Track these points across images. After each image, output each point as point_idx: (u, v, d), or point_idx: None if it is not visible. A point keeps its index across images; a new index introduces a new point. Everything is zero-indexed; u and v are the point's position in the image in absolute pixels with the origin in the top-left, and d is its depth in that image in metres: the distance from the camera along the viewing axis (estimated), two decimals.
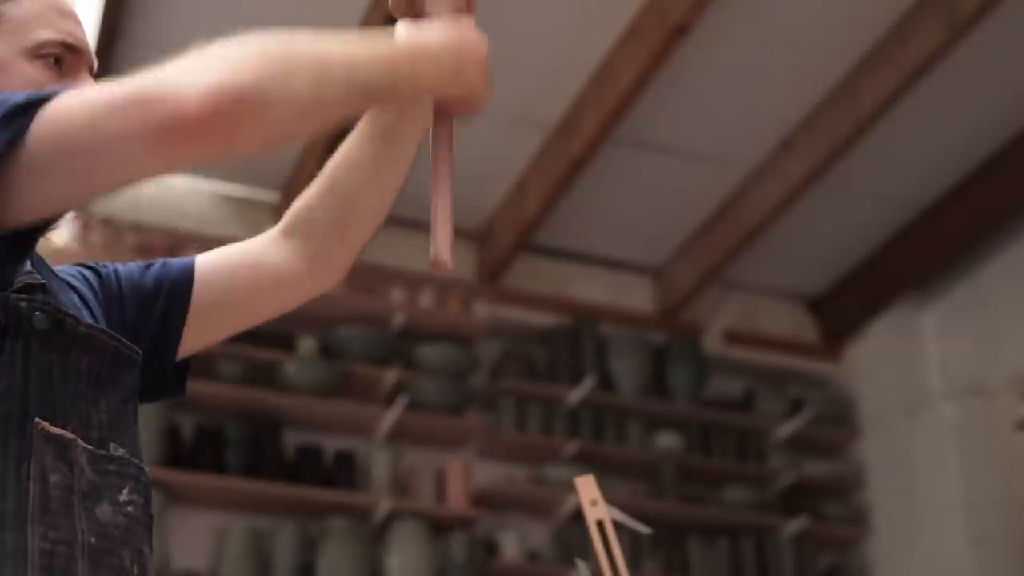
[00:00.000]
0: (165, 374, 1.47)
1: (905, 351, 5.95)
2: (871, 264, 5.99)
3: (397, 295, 5.46)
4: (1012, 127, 5.21)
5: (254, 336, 5.20)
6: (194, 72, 1.16)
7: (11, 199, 1.20)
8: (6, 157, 1.18)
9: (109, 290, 1.47)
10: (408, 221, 5.62)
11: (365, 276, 5.47)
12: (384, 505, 5.05)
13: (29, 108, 1.20)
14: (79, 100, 1.21)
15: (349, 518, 5.05)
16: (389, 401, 5.33)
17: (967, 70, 4.80)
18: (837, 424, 6.05)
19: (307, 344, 5.25)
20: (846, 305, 6.19)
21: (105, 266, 1.51)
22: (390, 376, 5.29)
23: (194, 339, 1.51)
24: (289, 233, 1.58)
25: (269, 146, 1.24)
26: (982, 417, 5.57)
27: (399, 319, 5.41)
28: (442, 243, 1.36)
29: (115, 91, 1.19)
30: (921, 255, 5.78)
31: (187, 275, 1.51)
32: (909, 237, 5.78)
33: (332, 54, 1.26)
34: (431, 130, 1.43)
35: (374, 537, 5.10)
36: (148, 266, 1.52)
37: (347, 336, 5.34)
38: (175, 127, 1.15)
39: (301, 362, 5.17)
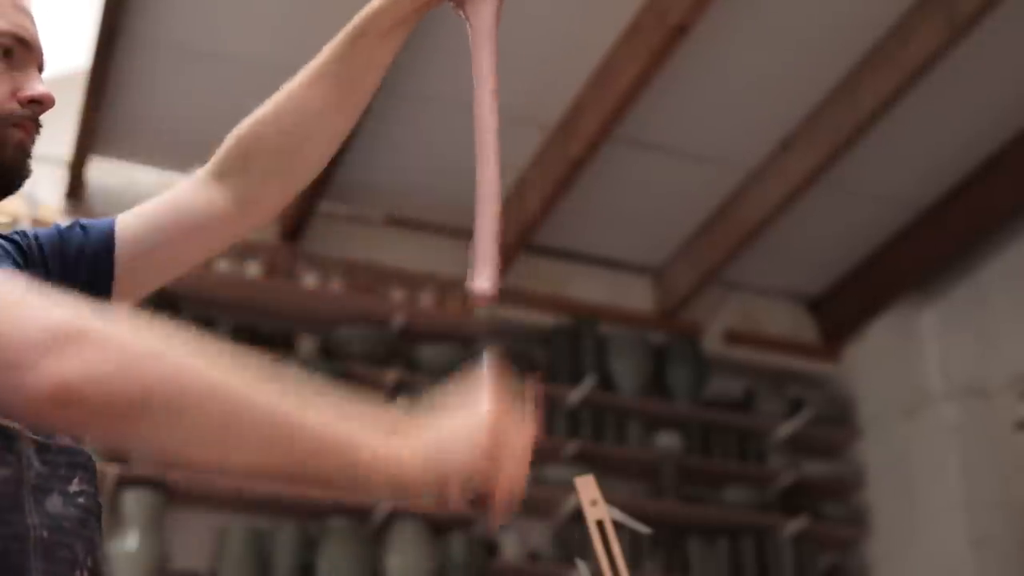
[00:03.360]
0: None
1: (905, 351, 5.95)
2: (871, 264, 5.99)
3: (397, 295, 5.45)
4: (1012, 127, 5.21)
5: (254, 336, 5.20)
6: (51, 350, 0.99)
7: None
8: None
9: (32, 260, 1.44)
10: (409, 221, 5.64)
11: (365, 276, 5.47)
12: (384, 505, 5.05)
13: None
14: None
15: (349, 518, 5.05)
16: (389, 401, 5.31)
17: (967, 70, 4.80)
18: (837, 424, 6.05)
19: (307, 344, 5.25)
20: (846, 305, 6.18)
21: (25, 235, 1.47)
22: (390, 376, 5.29)
23: (127, 295, 1.49)
24: (222, 175, 1.55)
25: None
26: (982, 417, 5.56)
27: (399, 319, 5.41)
28: (485, 274, 1.33)
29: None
30: (921, 255, 5.78)
31: (107, 238, 1.48)
32: (909, 237, 5.78)
33: (257, 410, 1.04)
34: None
35: (374, 537, 5.10)
36: (69, 229, 1.49)
37: (347, 336, 5.34)
38: (18, 402, 1.00)
39: (301, 362, 5.17)
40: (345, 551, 4.92)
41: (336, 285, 5.37)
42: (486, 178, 1.37)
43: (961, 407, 5.63)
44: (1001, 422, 5.41)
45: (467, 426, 1.11)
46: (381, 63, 1.58)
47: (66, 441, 1.30)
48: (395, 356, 5.43)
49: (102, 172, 5.19)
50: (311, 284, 5.33)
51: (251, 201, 1.54)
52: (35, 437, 1.26)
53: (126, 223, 1.51)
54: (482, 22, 1.43)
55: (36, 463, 1.26)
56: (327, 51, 1.57)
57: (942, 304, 5.86)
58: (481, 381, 1.15)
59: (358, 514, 5.08)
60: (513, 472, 1.12)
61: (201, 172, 1.56)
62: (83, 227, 1.50)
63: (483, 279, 1.32)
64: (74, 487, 1.29)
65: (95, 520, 1.32)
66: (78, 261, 1.46)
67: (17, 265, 1.41)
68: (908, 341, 5.95)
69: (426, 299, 5.50)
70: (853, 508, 5.94)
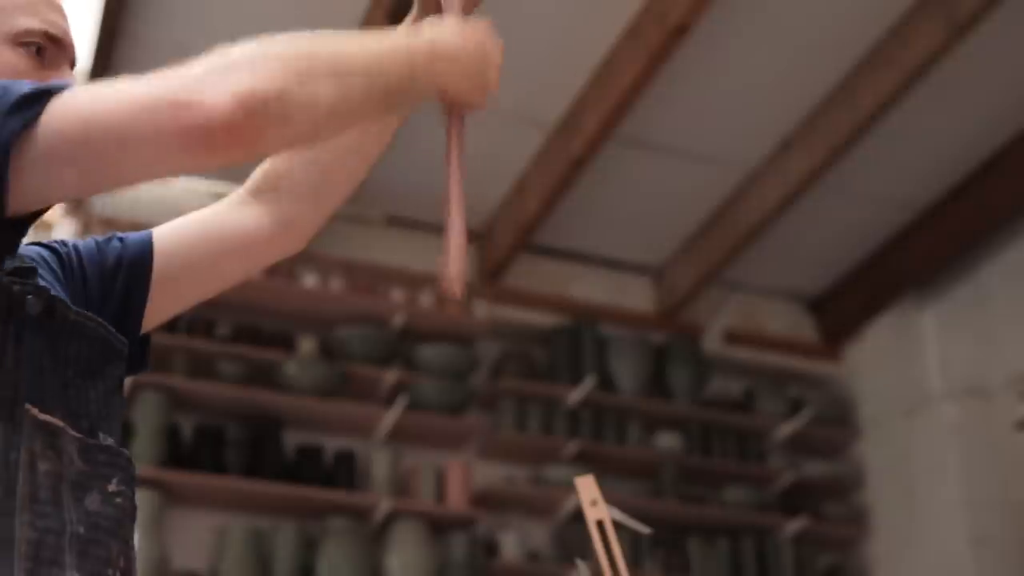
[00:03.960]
0: (130, 352, 1.44)
1: (905, 351, 5.95)
2: (871, 264, 6.00)
3: (397, 295, 5.46)
4: (1012, 127, 5.21)
5: (254, 336, 5.21)
6: (220, 78, 1.17)
7: (18, 186, 1.19)
8: (15, 145, 1.18)
9: (70, 271, 1.44)
10: (409, 222, 5.64)
11: (365, 276, 5.47)
12: (384, 505, 5.05)
13: (38, 98, 1.20)
14: (101, 95, 1.21)
15: (349, 518, 5.05)
16: (389, 401, 5.33)
17: (966, 71, 4.80)
18: (837, 424, 6.05)
19: (307, 344, 5.25)
20: (846, 305, 6.19)
21: (64, 244, 1.48)
22: (390, 376, 5.29)
23: (159, 311, 1.49)
24: (257, 195, 1.55)
25: (291, 148, 1.28)
26: (982, 417, 5.57)
27: (399, 319, 5.41)
28: (454, 272, 1.35)
29: (139, 91, 1.20)
30: (921, 255, 5.78)
31: (146, 251, 1.48)
32: (909, 237, 5.78)
33: (353, 56, 1.27)
34: (446, 127, 1.43)
35: (374, 537, 5.10)
36: (107, 241, 1.49)
37: (347, 336, 5.34)
38: (203, 133, 1.16)
39: (301, 362, 5.17)
40: (345, 551, 4.92)
41: (336, 285, 5.38)
42: (452, 171, 1.40)
43: (961, 407, 5.63)
44: (1001, 422, 5.41)
45: (466, 24, 1.40)
46: None
47: (108, 441, 1.31)
48: (395, 356, 5.43)
49: None
50: (311, 284, 5.33)
51: (289, 219, 1.55)
52: (78, 435, 1.26)
53: (163, 237, 1.51)
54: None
55: (77, 460, 1.26)
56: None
57: (942, 304, 5.86)
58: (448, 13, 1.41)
59: (358, 514, 5.09)
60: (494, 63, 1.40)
61: (239, 191, 1.56)
62: (120, 239, 1.50)
63: (451, 271, 1.34)
64: (113, 487, 1.29)
65: (130, 521, 1.32)
66: (115, 273, 1.46)
67: (55, 274, 1.42)
68: (908, 341, 5.95)
69: (426, 299, 5.50)
70: (853, 508, 5.94)
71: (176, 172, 1.24)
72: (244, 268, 1.57)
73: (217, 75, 1.18)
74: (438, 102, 1.41)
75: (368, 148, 1.58)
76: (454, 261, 1.35)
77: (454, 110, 1.42)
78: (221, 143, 1.18)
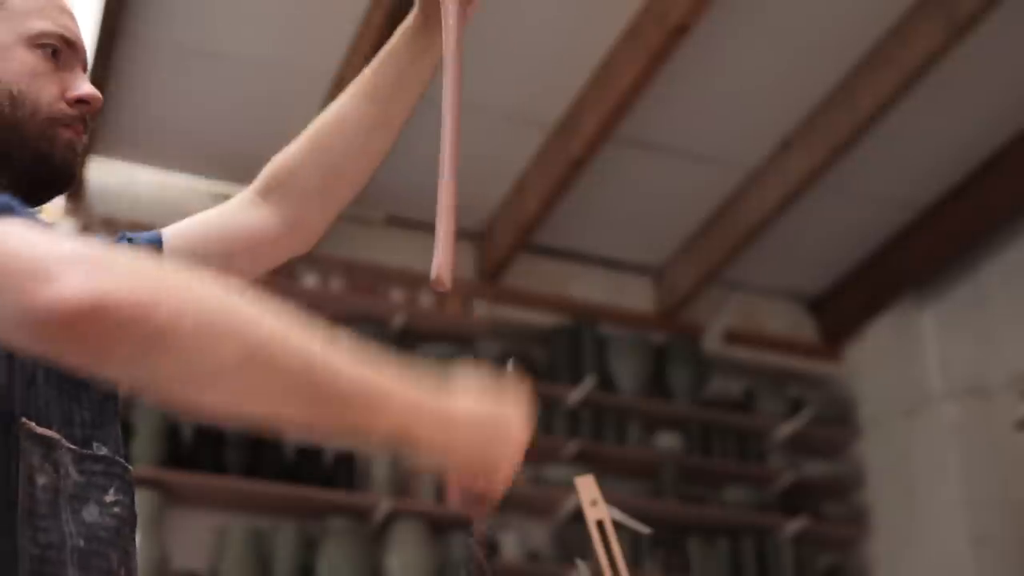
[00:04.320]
0: None
1: (905, 351, 5.95)
2: (871, 264, 5.99)
3: (397, 295, 5.46)
4: (1012, 127, 5.21)
5: None
6: (89, 270, 0.97)
7: None
8: None
9: None
10: (409, 222, 5.64)
11: (365, 276, 5.47)
12: (384, 505, 5.05)
13: None
14: (11, 237, 1.03)
15: (349, 518, 5.05)
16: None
17: (966, 71, 4.80)
18: (837, 424, 6.05)
19: None
20: (846, 305, 6.19)
21: None
22: None
23: None
24: (267, 194, 1.55)
25: (159, 389, 1.03)
26: (982, 417, 5.57)
27: (399, 319, 5.41)
28: (443, 264, 1.36)
29: (22, 246, 1.01)
30: (921, 255, 5.78)
31: (154, 251, 1.49)
32: (909, 237, 5.78)
33: (302, 349, 1.07)
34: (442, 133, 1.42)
35: (374, 537, 5.10)
36: (116, 242, 1.50)
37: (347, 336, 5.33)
38: (41, 318, 0.97)
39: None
40: (345, 551, 4.92)
41: (336, 285, 5.38)
42: (445, 166, 1.40)
43: (961, 407, 5.63)
44: (1001, 422, 5.41)
45: (507, 419, 1.16)
46: (416, 80, 1.60)
47: (104, 451, 1.30)
48: (395, 356, 5.42)
49: (102, 172, 5.19)
50: (311, 284, 5.33)
51: (296, 219, 1.55)
52: (72, 447, 1.26)
53: (172, 237, 1.52)
54: (450, 19, 1.47)
55: (73, 472, 1.26)
56: (367, 70, 1.59)
57: (942, 304, 5.86)
58: (485, 381, 1.18)
59: (358, 514, 5.09)
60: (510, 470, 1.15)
61: (247, 191, 1.56)
62: (130, 239, 1.51)
63: (439, 267, 1.34)
64: (110, 496, 1.29)
65: (130, 530, 1.32)
66: None
67: None
68: (908, 341, 5.95)
69: (426, 299, 5.50)
70: (853, 508, 5.94)
71: (27, 347, 1.03)
72: (252, 268, 1.57)
73: (87, 265, 0.98)
74: (430, 70, 1.39)
75: (373, 149, 1.58)
76: (442, 253, 1.35)
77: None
78: (61, 335, 0.97)
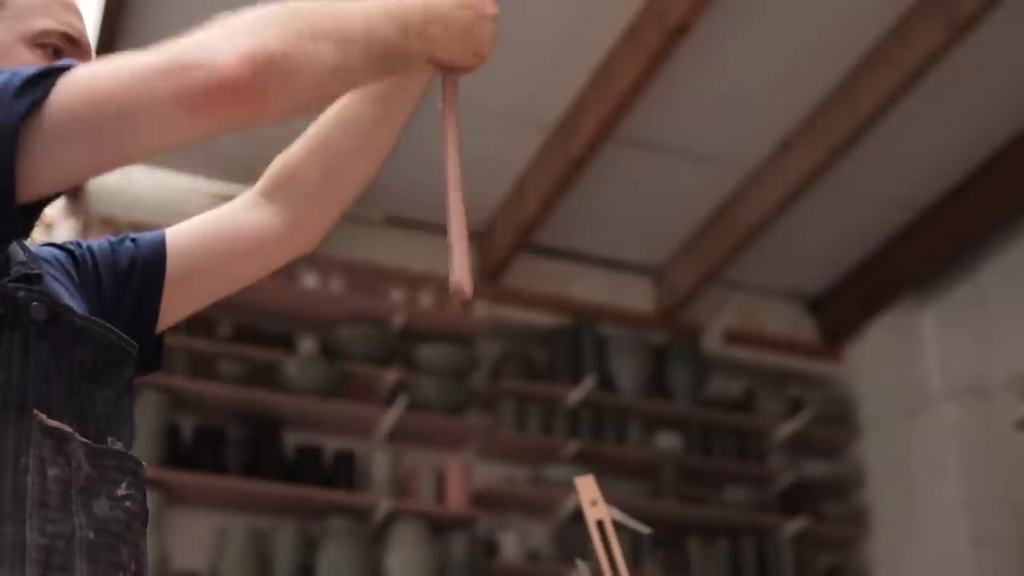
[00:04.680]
0: (144, 352, 1.44)
1: (905, 351, 5.95)
2: (871, 264, 6.00)
3: (397, 295, 5.46)
4: (1012, 127, 5.21)
5: (254, 336, 5.21)
6: (224, 40, 1.19)
7: (30, 168, 1.19)
8: (24, 126, 1.17)
9: (85, 273, 1.44)
10: (409, 222, 5.64)
11: (365, 276, 5.47)
12: (384, 505, 5.05)
13: (46, 77, 1.20)
14: (106, 68, 1.21)
15: (349, 518, 5.05)
16: (389, 401, 5.33)
17: (966, 71, 4.80)
18: (837, 424, 6.05)
19: (307, 344, 5.25)
20: (846, 305, 6.19)
21: (79, 246, 1.48)
22: (390, 376, 5.29)
23: (173, 311, 1.49)
24: (270, 194, 1.55)
25: (294, 112, 1.26)
26: (982, 417, 5.57)
27: (399, 319, 5.41)
28: (460, 270, 1.36)
29: (144, 59, 1.20)
30: (921, 255, 5.78)
31: (159, 251, 1.49)
32: (909, 237, 5.78)
33: (351, 17, 1.29)
34: (442, 94, 1.45)
35: (374, 537, 5.10)
36: (120, 242, 1.50)
37: (347, 336, 5.34)
38: (209, 91, 1.16)
39: (301, 362, 5.17)
40: (345, 551, 4.92)
41: (336, 285, 5.38)
42: (451, 172, 1.40)
43: (961, 407, 5.63)
44: (1001, 422, 5.41)
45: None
46: (416, 80, 1.60)
47: (116, 445, 1.31)
48: (395, 356, 5.43)
49: None
50: (311, 284, 5.33)
51: (299, 219, 1.55)
52: (86, 440, 1.27)
53: (176, 237, 1.51)
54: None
55: (85, 465, 1.26)
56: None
57: (942, 304, 5.86)
58: None
59: (358, 514, 5.09)
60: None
61: (250, 192, 1.57)
62: (133, 240, 1.51)
63: (460, 274, 1.34)
64: (122, 491, 1.29)
65: (141, 525, 1.32)
66: (129, 274, 1.47)
67: (70, 277, 1.42)
68: (908, 341, 5.95)
69: (426, 299, 5.50)
70: (853, 508, 5.94)
71: (187, 138, 1.23)
72: (256, 268, 1.58)
73: (221, 38, 1.19)
74: (432, 67, 1.44)
75: (375, 148, 1.59)
76: (459, 257, 1.35)
77: (447, 75, 1.44)
78: (228, 100, 1.17)
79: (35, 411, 1.22)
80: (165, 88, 1.17)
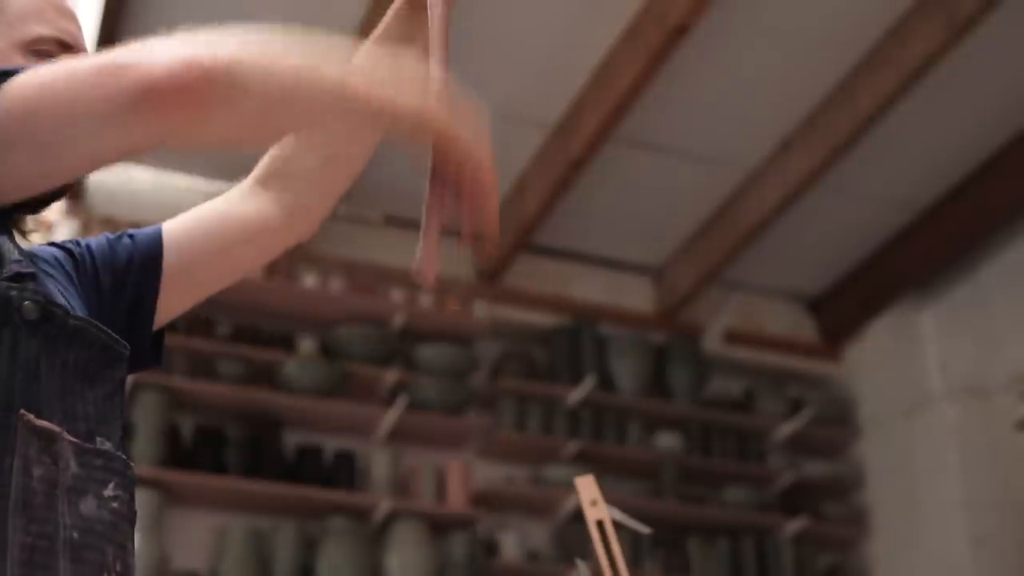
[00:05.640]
0: (142, 347, 1.44)
1: (905, 351, 5.95)
2: (871, 264, 6.00)
3: (397, 295, 5.46)
4: (1012, 127, 5.21)
5: (254, 336, 5.21)
6: (169, 46, 1.17)
7: None
8: None
9: (84, 272, 1.44)
10: (409, 222, 5.64)
11: (365, 276, 5.47)
12: (384, 505, 5.05)
13: None
14: (45, 72, 1.19)
15: (349, 518, 5.05)
16: (389, 401, 5.33)
17: (966, 71, 4.80)
18: (837, 424, 6.05)
19: (307, 344, 5.25)
20: (846, 305, 6.19)
21: (78, 244, 1.48)
22: (390, 376, 5.29)
23: (171, 306, 1.49)
24: (265, 182, 1.55)
25: (236, 138, 1.22)
26: (982, 417, 5.57)
27: (399, 319, 5.41)
28: (427, 260, 1.35)
29: (84, 62, 1.17)
30: (921, 255, 5.78)
31: (156, 246, 1.48)
32: (909, 237, 5.78)
33: (313, 68, 1.24)
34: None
35: (374, 537, 5.10)
36: (118, 239, 1.49)
37: (347, 336, 5.34)
38: (141, 92, 1.13)
39: (301, 362, 5.17)
40: (345, 551, 4.92)
41: (336, 285, 5.38)
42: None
43: (961, 407, 5.63)
44: (1001, 422, 5.41)
45: (421, 74, 1.31)
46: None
47: (105, 445, 1.30)
48: (395, 356, 5.43)
49: (102, 172, 5.19)
50: (311, 284, 5.33)
51: (296, 207, 1.55)
52: (74, 440, 1.26)
53: (173, 230, 1.51)
54: (436, 8, 1.47)
55: (73, 465, 1.25)
56: (360, 53, 1.58)
57: (942, 304, 5.86)
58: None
59: (358, 514, 5.09)
60: (474, 136, 1.27)
61: (246, 181, 1.56)
62: (131, 236, 1.50)
63: (424, 259, 1.34)
64: (109, 491, 1.29)
65: (128, 526, 1.31)
66: (127, 269, 1.46)
67: (68, 276, 1.42)
68: (908, 341, 5.95)
69: (426, 299, 5.50)
70: (853, 508, 5.94)
71: (124, 146, 1.20)
72: (255, 257, 1.57)
73: (166, 44, 1.17)
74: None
75: (370, 134, 1.58)
76: (426, 250, 1.35)
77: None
78: (160, 104, 1.13)
79: (22, 411, 1.22)
80: (100, 88, 1.14)
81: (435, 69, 1.37)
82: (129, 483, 1.32)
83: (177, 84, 1.13)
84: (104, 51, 1.17)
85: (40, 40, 1.41)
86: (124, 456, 1.33)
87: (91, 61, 1.16)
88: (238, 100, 1.17)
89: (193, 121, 1.16)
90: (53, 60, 1.40)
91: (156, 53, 1.15)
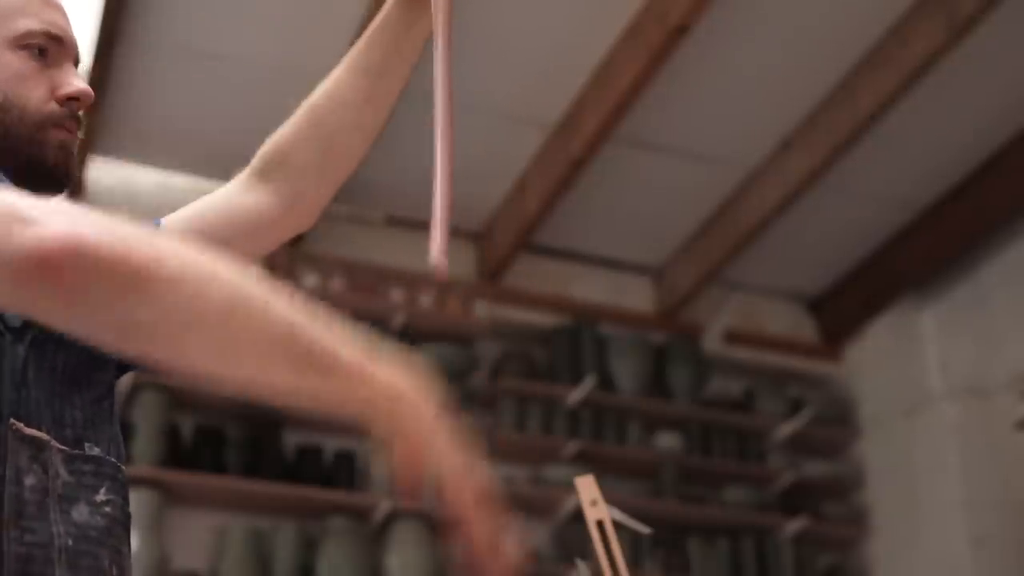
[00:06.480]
0: None
1: (905, 351, 5.95)
2: (871, 264, 5.99)
3: (397, 295, 5.45)
4: (1012, 127, 5.21)
5: None
6: (74, 216, 0.98)
7: None
8: None
9: None
10: (409, 222, 5.63)
11: (365, 276, 5.47)
12: (384, 505, 5.05)
13: None
14: None
15: (349, 518, 5.05)
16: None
17: (966, 71, 4.80)
18: (837, 424, 6.05)
19: None
20: (846, 305, 6.19)
21: None
22: None
23: None
24: (263, 174, 1.55)
25: (96, 330, 0.99)
26: (982, 417, 5.57)
27: (399, 319, 5.41)
28: (439, 250, 1.35)
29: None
30: (921, 255, 5.78)
31: None
32: (909, 237, 5.78)
33: (285, 312, 1.00)
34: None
35: (374, 537, 5.10)
36: None
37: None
38: (14, 251, 0.95)
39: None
40: (345, 551, 4.92)
41: (336, 285, 5.37)
42: (441, 157, 1.38)
43: (961, 407, 5.63)
44: (1001, 422, 5.41)
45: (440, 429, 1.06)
46: (409, 50, 1.59)
47: (94, 451, 1.30)
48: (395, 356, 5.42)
49: (102, 172, 5.19)
50: (311, 284, 5.33)
51: (295, 198, 1.55)
52: (63, 447, 1.26)
53: (173, 225, 1.51)
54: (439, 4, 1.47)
55: (63, 472, 1.25)
56: (359, 43, 1.58)
57: (942, 304, 5.86)
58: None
59: (358, 514, 5.09)
60: (485, 515, 1.06)
61: (243, 174, 1.56)
62: None
63: (437, 252, 1.32)
64: (101, 496, 1.28)
65: (122, 529, 1.31)
66: None
67: None
68: (908, 341, 5.95)
69: (426, 299, 5.50)
70: (853, 508, 5.94)
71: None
72: (256, 249, 1.57)
73: (76, 213, 0.99)
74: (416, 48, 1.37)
75: (368, 123, 1.58)
76: (438, 239, 1.34)
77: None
78: (24, 268, 0.95)
79: (11, 420, 1.21)
80: None
81: (439, 64, 1.36)
82: (121, 486, 1.31)
83: (43, 254, 0.94)
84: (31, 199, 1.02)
85: (29, 34, 1.40)
86: (115, 460, 1.32)
87: (8, 201, 0.99)
88: (135, 295, 0.95)
89: (70, 304, 0.96)
90: (44, 53, 1.40)
91: (53, 222, 0.96)
